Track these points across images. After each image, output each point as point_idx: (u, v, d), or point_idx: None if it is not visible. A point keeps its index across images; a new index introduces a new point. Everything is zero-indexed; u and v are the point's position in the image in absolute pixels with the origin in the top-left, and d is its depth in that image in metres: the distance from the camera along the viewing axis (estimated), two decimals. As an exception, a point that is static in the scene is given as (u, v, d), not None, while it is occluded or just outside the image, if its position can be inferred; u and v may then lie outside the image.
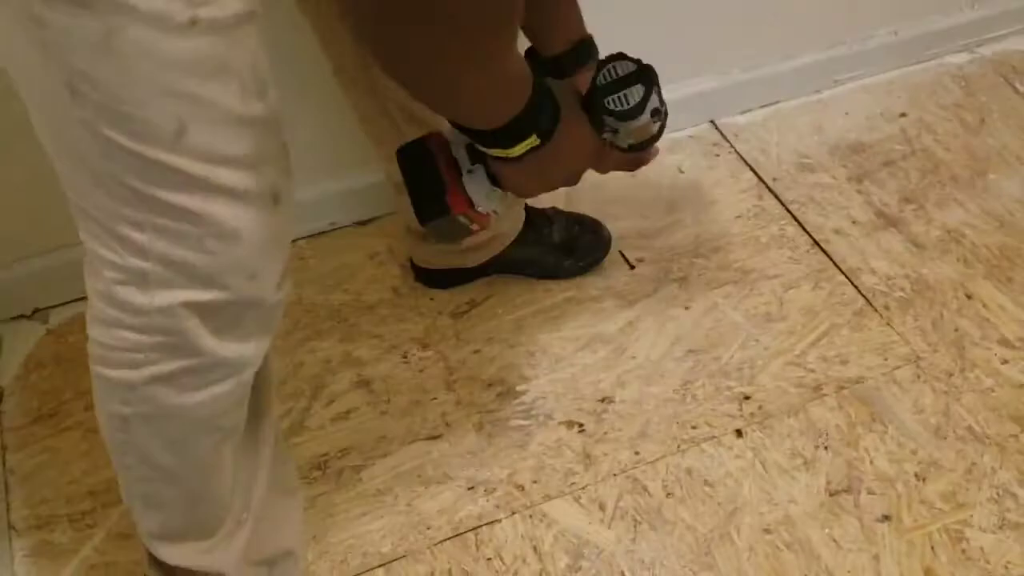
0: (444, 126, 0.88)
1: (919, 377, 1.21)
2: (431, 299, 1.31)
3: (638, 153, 0.95)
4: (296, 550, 0.98)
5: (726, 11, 1.41)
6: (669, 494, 1.11)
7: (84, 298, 1.27)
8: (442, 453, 1.15)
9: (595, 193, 1.43)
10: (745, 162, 1.49)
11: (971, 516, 1.08)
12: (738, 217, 1.41)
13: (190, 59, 0.61)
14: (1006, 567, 1.04)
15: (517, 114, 0.77)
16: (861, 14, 1.56)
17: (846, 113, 1.57)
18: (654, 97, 0.89)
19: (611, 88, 0.88)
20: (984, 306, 1.29)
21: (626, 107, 0.87)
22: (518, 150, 0.80)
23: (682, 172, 1.48)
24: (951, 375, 1.21)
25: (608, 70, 0.89)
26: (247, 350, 0.74)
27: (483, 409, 1.19)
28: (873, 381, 1.21)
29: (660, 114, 0.91)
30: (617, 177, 1.46)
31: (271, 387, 0.86)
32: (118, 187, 0.64)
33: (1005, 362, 1.22)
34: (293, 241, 0.81)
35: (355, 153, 1.28)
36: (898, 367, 1.22)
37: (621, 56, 0.90)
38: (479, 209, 0.87)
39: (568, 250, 1.30)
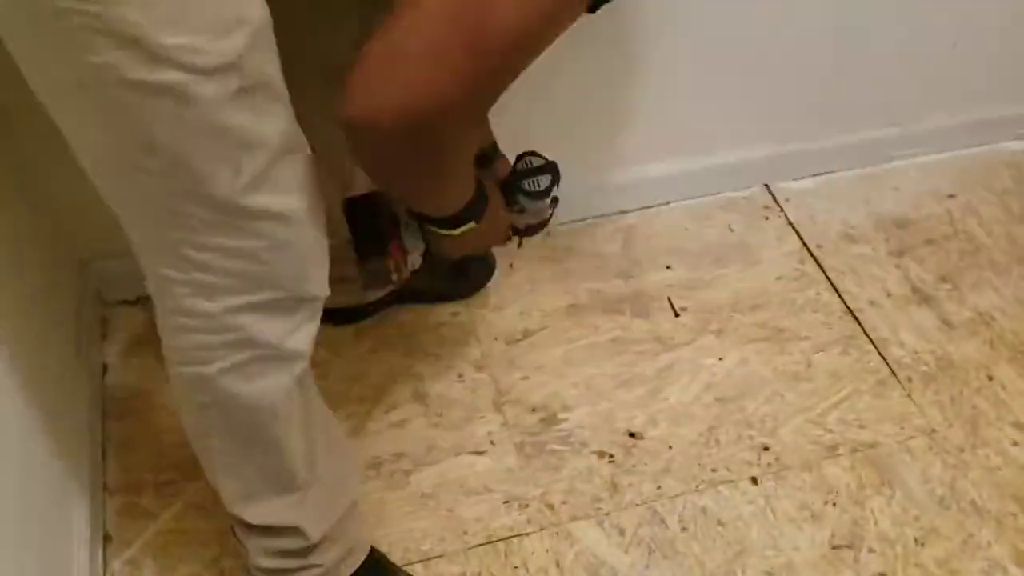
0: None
1: (931, 449, 1.30)
2: (489, 325, 1.44)
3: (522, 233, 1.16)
4: (356, 498, 1.09)
5: (790, 84, 1.51)
6: (684, 528, 1.22)
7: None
8: (485, 467, 1.28)
9: (649, 243, 1.55)
10: (793, 227, 1.59)
11: (961, 583, 1.17)
12: (779, 278, 1.51)
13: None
14: (986, 634, 1.13)
15: (466, 204, 0.94)
16: (919, 97, 1.63)
17: (895, 189, 1.66)
18: (556, 188, 1.10)
19: (528, 174, 1.09)
20: (1003, 389, 1.37)
21: (538, 189, 1.08)
22: (459, 232, 0.96)
23: (732, 231, 1.58)
24: (962, 450, 1.30)
25: (527, 160, 1.10)
26: (300, 342, 0.87)
27: (526, 432, 1.32)
28: (887, 447, 1.30)
29: (556, 202, 1.12)
30: (671, 229, 1.59)
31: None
32: (186, 220, 0.75)
33: (1015, 444, 1.31)
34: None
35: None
36: (912, 437, 1.31)
37: (534, 152, 1.11)
38: (409, 258, 1.04)
39: (462, 273, 1.42)
